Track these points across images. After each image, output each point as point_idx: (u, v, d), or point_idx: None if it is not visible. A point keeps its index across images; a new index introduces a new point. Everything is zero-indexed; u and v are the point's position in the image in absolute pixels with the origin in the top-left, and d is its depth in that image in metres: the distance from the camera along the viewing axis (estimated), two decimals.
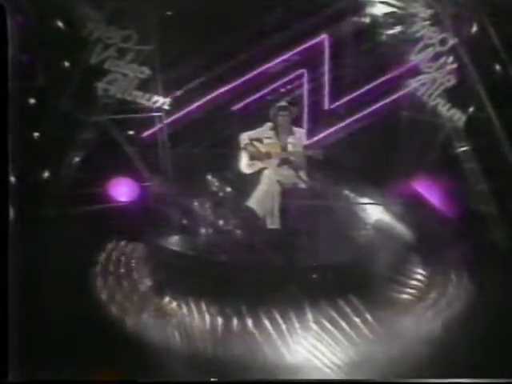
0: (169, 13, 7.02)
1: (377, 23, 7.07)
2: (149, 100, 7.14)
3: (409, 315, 6.21)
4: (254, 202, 6.82)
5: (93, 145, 7.13)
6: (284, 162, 6.97)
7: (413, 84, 7.05)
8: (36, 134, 6.80)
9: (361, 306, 6.22)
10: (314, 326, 6.05)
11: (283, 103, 7.04)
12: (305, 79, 7.29)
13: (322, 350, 5.80)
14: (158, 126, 7.29)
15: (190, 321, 6.19)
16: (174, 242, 6.98)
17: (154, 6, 6.95)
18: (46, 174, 6.95)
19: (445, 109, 7.07)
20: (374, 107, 7.11)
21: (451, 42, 6.92)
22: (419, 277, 6.70)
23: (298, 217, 6.85)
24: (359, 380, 5.50)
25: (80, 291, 6.23)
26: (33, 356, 5.55)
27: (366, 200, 7.35)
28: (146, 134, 7.31)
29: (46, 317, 5.90)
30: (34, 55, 6.61)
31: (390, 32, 7.06)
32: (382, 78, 7.05)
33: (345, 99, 7.21)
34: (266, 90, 7.22)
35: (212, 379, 5.52)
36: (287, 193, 6.87)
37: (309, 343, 5.90)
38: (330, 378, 5.53)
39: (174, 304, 6.41)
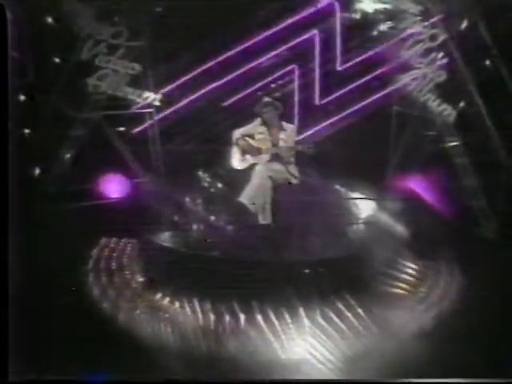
0: (159, 9, 7.00)
1: (367, 19, 7.09)
2: (139, 96, 7.14)
3: (401, 310, 6.24)
4: (245, 197, 6.82)
5: (84, 141, 7.12)
6: (275, 157, 6.98)
7: (403, 79, 7.07)
8: (27, 131, 6.78)
9: (353, 300, 6.24)
10: (307, 322, 6.07)
11: (267, 99, 7.02)
12: (295, 74, 7.30)
13: (315, 346, 5.82)
14: (149, 122, 7.29)
15: (182, 317, 6.20)
16: (165, 238, 6.97)
17: (144, 2, 6.96)
18: (38, 171, 6.94)
19: (435, 104, 7.10)
20: (364, 102, 7.13)
21: (441, 37, 6.95)
22: (411, 271, 6.73)
23: (289, 212, 6.87)
24: (359, 380, 5.53)
25: (76, 289, 6.24)
26: (33, 356, 5.55)
27: (357, 195, 7.39)
28: (136, 130, 7.31)
29: (45, 316, 5.90)
30: (24, 52, 6.57)
31: (381, 28, 7.07)
32: (373, 74, 7.08)
33: (335, 95, 7.23)
34: (256, 86, 7.22)
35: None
36: (279, 188, 6.87)
37: (301, 339, 5.93)
38: (324, 375, 5.56)
39: (167, 300, 6.42)
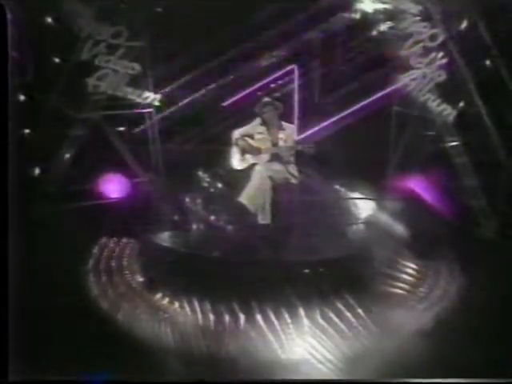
0: (159, 9, 7.01)
1: (367, 19, 7.09)
2: (139, 96, 7.15)
3: (401, 309, 6.24)
4: (245, 197, 6.80)
5: (84, 141, 7.13)
6: (275, 157, 6.97)
7: (403, 79, 7.08)
8: (27, 131, 6.79)
9: (352, 300, 6.23)
10: (307, 322, 6.07)
11: (266, 99, 7.01)
12: (295, 75, 7.31)
13: (314, 346, 5.81)
14: (149, 122, 7.30)
15: (182, 317, 6.20)
16: (165, 238, 6.96)
17: (144, 2, 6.97)
18: (38, 171, 6.94)
19: (435, 104, 7.11)
20: (364, 102, 7.13)
21: (441, 37, 6.95)
22: (411, 271, 6.73)
23: (289, 212, 6.86)
24: (359, 380, 5.52)
25: (76, 289, 6.24)
26: (33, 356, 5.55)
27: (357, 195, 7.40)
28: (136, 130, 7.32)
29: (45, 316, 5.90)
30: (24, 52, 6.58)
31: (381, 28, 7.08)
32: (373, 74, 7.08)
33: (335, 94, 7.24)
34: (256, 86, 7.23)
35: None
36: (278, 188, 6.86)
37: (301, 339, 5.92)
38: (324, 375, 5.55)
39: (167, 300, 6.41)
